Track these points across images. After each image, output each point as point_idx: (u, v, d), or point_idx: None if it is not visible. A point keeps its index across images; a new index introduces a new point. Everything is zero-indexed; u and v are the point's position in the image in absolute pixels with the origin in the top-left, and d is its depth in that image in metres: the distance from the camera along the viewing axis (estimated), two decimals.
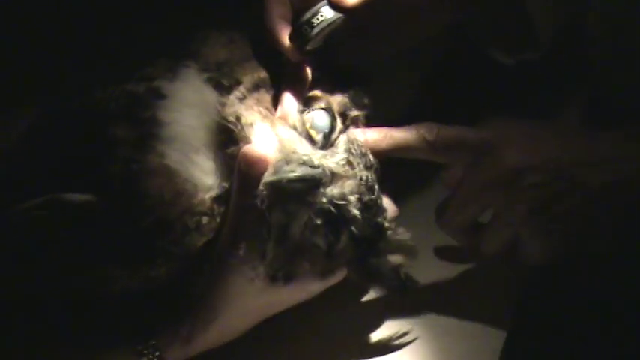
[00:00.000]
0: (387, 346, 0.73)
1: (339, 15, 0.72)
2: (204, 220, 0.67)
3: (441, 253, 0.79)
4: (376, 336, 0.74)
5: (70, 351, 0.69)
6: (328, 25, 0.72)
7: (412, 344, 0.73)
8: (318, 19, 0.71)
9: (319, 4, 0.72)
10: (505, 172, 0.71)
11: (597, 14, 0.85)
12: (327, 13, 0.72)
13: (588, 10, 0.86)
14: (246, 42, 0.73)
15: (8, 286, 0.68)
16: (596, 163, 0.70)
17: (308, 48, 0.72)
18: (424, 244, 0.74)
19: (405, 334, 0.74)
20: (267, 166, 0.66)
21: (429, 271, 0.76)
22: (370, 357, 0.73)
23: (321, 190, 0.66)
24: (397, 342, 0.74)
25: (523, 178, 0.70)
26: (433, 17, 0.80)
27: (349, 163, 0.68)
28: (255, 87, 0.71)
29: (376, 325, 0.75)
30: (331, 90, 0.73)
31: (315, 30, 0.71)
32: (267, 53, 0.73)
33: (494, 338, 0.72)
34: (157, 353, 0.68)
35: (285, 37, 0.72)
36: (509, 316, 0.74)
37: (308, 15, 0.72)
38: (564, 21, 0.87)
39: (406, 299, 0.70)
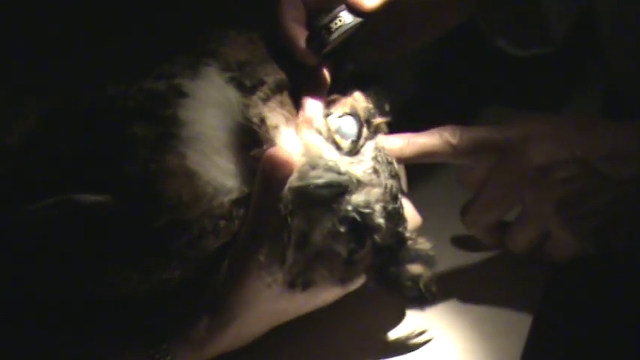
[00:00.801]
0: (403, 346, 0.72)
1: (358, 20, 0.70)
2: (222, 223, 0.66)
3: (460, 242, 0.79)
4: (393, 335, 0.73)
5: (81, 354, 0.67)
6: (347, 31, 0.70)
7: (430, 344, 0.72)
8: (336, 23, 0.70)
9: (337, 9, 0.70)
10: (532, 169, 0.70)
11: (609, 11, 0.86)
12: (345, 18, 0.70)
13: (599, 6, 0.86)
14: (265, 43, 0.72)
15: (17, 288, 0.67)
16: (624, 155, 0.70)
17: (325, 52, 0.70)
18: (442, 245, 0.74)
19: (422, 333, 0.73)
20: (292, 169, 0.65)
21: (447, 271, 0.76)
22: (387, 356, 0.72)
23: (346, 197, 0.65)
24: (414, 341, 0.73)
25: (551, 174, 0.70)
26: (449, 16, 0.80)
27: (375, 171, 0.67)
28: (279, 88, 0.69)
29: (393, 324, 0.74)
30: (349, 94, 0.72)
31: (334, 35, 0.70)
32: (285, 55, 0.71)
33: (514, 341, 0.72)
34: (169, 358, 0.67)
35: (300, 42, 0.71)
36: (530, 318, 0.73)
37: (326, 20, 0.70)
38: (577, 16, 0.89)
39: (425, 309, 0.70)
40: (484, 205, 0.74)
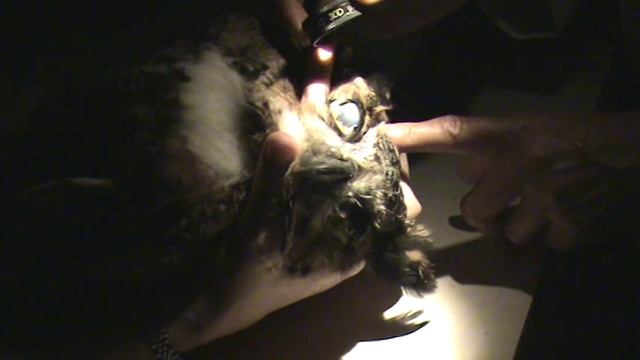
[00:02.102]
0: (400, 327, 0.73)
1: (358, 13, 0.70)
2: (222, 207, 0.66)
3: (457, 222, 0.80)
4: (388, 315, 0.74)
5: (79, 339, 0.67)
6: (345, 22, 0.70)
7: (429, 329, 0.73)
8: (336, 14, 0.70)
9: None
10: (531, 160, 0.71)
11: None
12: (346, 10, 0.70)
13: None
14: (266, 28, 0.72)
15: (17, 271, 0.66)
16: (623, 146, 0.70)
17: (319, 40, 0.70)
18: (441, 232, 0.75)
19: (418, 314, 0.74)
20: (294, 154, 0.65)
21: (446, 258, 0.76)
22: (383, 338, 0.72)
23: (348, 183, 0.65)
24: (410, 322, 0.73)
25: (550, 165, 0.70)
26: (450, 2, 0.80)
27: (376, 158, 0.68)
28: (282, 73, 0.69)
29: (388, 305, 0.75)
30: (351, 80, 0.72)
31: (331, 25, 0.70)
32: (287, 41, 0.72)
33: (512, 325, 0.72)
34: (167, 341, 0.67)
35: (297, 22, 0.71)
36: (528, 302, 0.74)
37: (326, 8, 0.70)
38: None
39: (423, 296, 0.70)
40: (484, 197, 0.74)
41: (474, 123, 0.73)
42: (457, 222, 0.80)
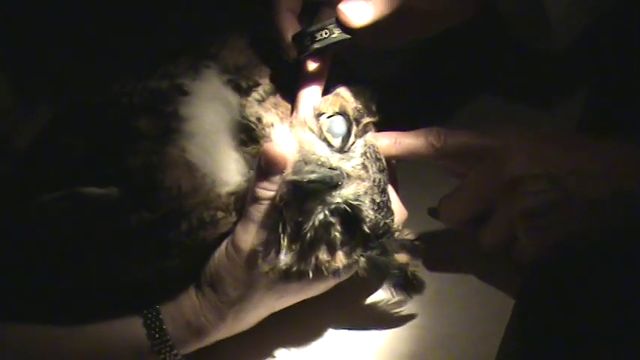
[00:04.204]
0: (383, 315, 0.76)
1: (345, 36, 0.72)
2: (220, 214, 0.70)
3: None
4: (372, 299, 0.77)
5: (84, 343, 0.72)
6: (330, 45, 0.72)
7: (417, 329, 0.76)
8: (322, 35, 0.72)
9: (329, 20, 0.73)
10: (505, 179, 0.74)
11: None
12: (332, 32, 0.72)
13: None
14: (262, 45, 0.75)
15: (19, 278, 0.71)
16: (593, 175, 0.74)
17: (303, 56, 0.72)
18: (427, 236, 0.77)
19: (398, 303, 0.77)
20: (286, 164, 0.69)
21: (432, 260, 0.79)
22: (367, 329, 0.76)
23: (337, 190, 0.69)
24: (393, 311, 0.77)
25: (521, 185, 0.74)
26: (444, 22, 0.83)
27: (364, 166, 0.71)
28: (273, 90, 0.73)
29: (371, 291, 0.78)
30: (336, 91, 0.75)
31: (317, 45, 0.72)
32: (281, 57, 0.74)
33: (496, 326, 0.76)
34: (170, 342, 0.71)
35: (287, 34, 0.73)
36: (511, 304, 0.77)
37: (314, 28, 0.73)
38: (590, 21, 0.88)
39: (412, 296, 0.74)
40: (459, 203, 0.77)
41: (457, 137, 0.76)
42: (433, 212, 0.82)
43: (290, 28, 0.74)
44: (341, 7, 0.72)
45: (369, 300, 0.79)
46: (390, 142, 0.76)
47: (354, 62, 0.79)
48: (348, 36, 0.72)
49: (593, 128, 0.93)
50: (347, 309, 0.78)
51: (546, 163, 0.74)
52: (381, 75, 0.94)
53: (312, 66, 0.74)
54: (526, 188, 0.74)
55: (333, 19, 0.73)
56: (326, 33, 0.72)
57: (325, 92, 0.75)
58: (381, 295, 0.78)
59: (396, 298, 0.75)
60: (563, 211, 0.74)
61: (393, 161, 0.78)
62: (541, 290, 0.81)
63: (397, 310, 0.77)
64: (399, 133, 0.76)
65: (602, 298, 0.84)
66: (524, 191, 0.74)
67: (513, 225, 0.75)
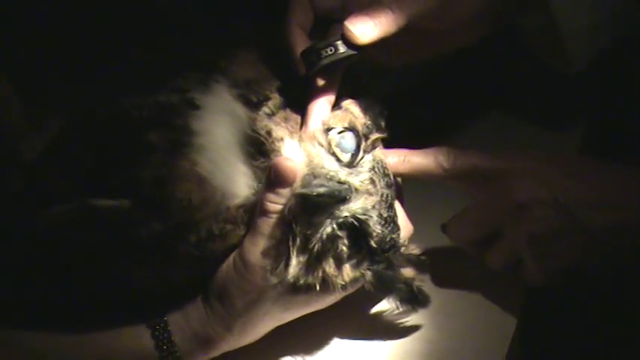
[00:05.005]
0: (388, 327, 0.77)
1: (351, 52, 0.73)
2: (229, 227, 0.71)
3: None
4: (377, 310, 0.78)
5: (92, 353, 0.72)
6: (336, 61, 0.73)
7: (422, 343, 0.77)
8: (327, 52, 0.73)
9: (335, 37, 0.73)
10: (512, 203, 0.74)
11: None
12: (339, 48, 0.73)
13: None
14: (273, 59, 0.76)
15: (29, 288, 0.72)
16: (600, 204, 0.74)
17: (311, 73, 0.73)
18: (433, 251, 0.78)
19: (405, 312, 0.77)
20: (296, 178, 0.70)
21: (438, 275, 0.80)
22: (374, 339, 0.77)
23: (345, 204, 0.70)
24: (399, 321, 0.78)
25: (528, 211, 0.74)
26: (456, 43, 0.83)
27: (372, 181, 0.72)
28: (283, 104, 0.74)
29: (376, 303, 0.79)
30: (344, 106, 0.76)
31: (323, 62, 0.73)
32: (291, 71, 0.75)
33: (500, 340, 0.76)
34: (178, 354, 0.71)
35: (297, 49, 0.74)
36: (514, 319, 0.78)
37: (321, 44, 0.73)
38: (607, 45, 0.88)
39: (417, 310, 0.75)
40: (467, 224, 0.78)
41: (467, 158, 0.76)
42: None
43: (300, 44, 0.74)
44: (346, 23, 0.73)
45: (375, 310, 0.79)
46: (398, 160, 0.76)
47: (364, 77, 0.79)
48: (355, 52, 0.73)
49: (596, 150, 0.94)
50: (352, 320, 0.79)
51: (554, 188, 0.74)
52: (390, 90, 0.95)
53: (321, 81, 0.74)
54: (533, 214, 0.74)
55: (340, 35, 0.73)
56: (332, 49, 0.73)
57: (335, 106, 0.75)
58: (386, 306, 0.78)
59: (402, 310, 0.75)
60: (569, 239, 0.74)
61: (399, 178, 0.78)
62: (545, 306, 0.82)
63: (402, 321, 0.78)
64: (409, 151, 0.77)
65: (608, 314, 0.84)
66: (531, 217, 0.74)
67: (520, 248, 0.76)
